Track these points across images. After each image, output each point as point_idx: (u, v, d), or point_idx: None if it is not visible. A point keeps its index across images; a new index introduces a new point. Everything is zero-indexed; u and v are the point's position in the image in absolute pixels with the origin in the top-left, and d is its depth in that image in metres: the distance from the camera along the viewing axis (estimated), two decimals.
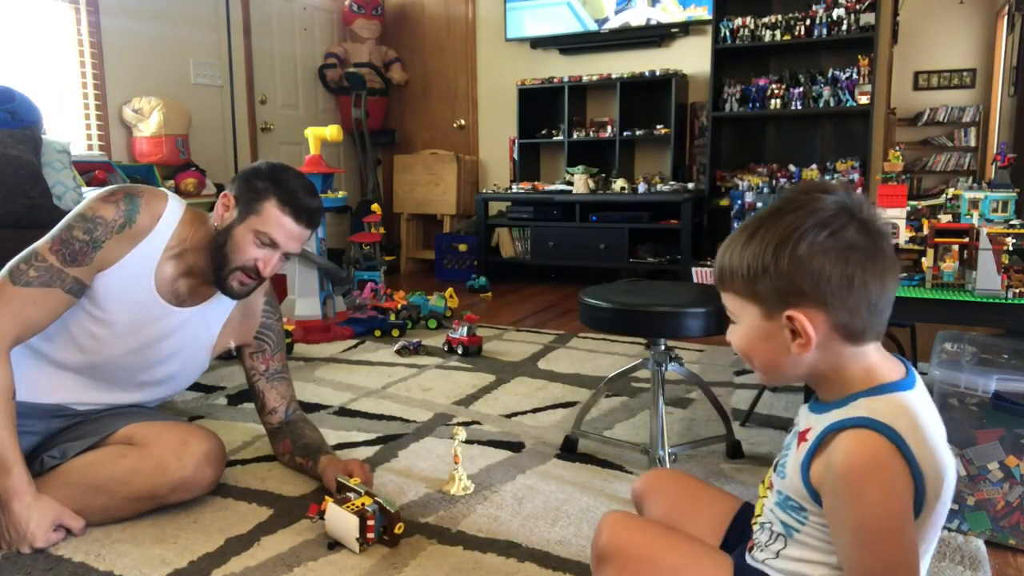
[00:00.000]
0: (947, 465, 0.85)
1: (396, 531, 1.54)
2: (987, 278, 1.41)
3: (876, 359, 0.89)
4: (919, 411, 0.85)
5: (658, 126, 5.01)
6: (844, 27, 4.45)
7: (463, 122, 5.96)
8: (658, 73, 4.94)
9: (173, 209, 1.66)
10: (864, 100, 4.44)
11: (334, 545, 1.54)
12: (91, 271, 1.57)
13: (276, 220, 1.61)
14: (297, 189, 1.63)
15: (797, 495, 0.92)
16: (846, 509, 0.84)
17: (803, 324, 0.86)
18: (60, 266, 1.54)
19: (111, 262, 1.59)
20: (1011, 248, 1.40)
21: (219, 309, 1.77)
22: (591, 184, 5.03)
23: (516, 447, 2.11)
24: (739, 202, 4.57)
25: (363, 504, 1.54)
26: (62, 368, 1.66)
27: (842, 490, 0.84)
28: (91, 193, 1.65)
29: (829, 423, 0.87)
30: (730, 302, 0.95)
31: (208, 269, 1.66)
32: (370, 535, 1.52)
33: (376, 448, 2.11)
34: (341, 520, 1.52)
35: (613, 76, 5.08)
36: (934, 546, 0.90)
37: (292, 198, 1.61)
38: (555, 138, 5.36)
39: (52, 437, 1.65)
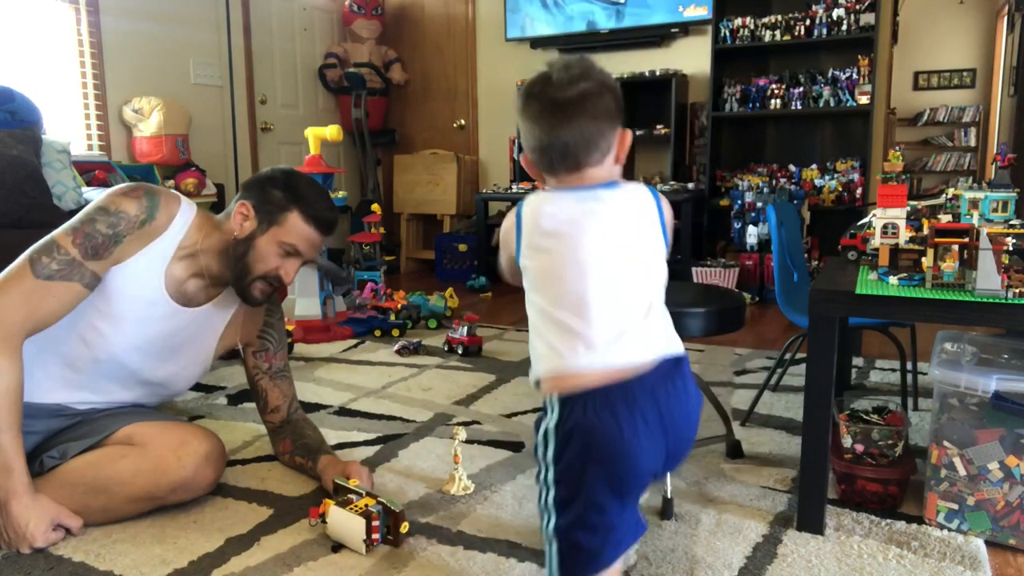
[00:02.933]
0: (546, 220, 1.18)
1: (401, 530, 1.54)
2: (987, 278, 1.41)
3: (557, 182, 1.23)
4: (553, 199, 1.20)
5: (658, 126, 5.01)
6: (844, 27, 4.45)
7: (463, 122, 5.96)
8: (658, 73, 4.93)
9: (186, 211, 1.68)
10: (864, 100, 4.44)
11: (338, 548, 1.54)
12: (107, 265, 1.58)
13: (300, 231, 1.67)
14: (317, 199, 1.69)
15: None
16: None
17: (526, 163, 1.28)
18: (81, 259, 1.54)
19: (126, 257, 1.60)
20: (1011, 248, 1.40)
21: (224, 310, 1.78)
22: None
23: (516, 447, 2.11)
24: (739, 202, 4.57)
25: (367, 505, 1.54)
26: (65, 365, 1.66)
27: None
28: (103, 191, 1.66)
29: None
30: None
31: (222, 274, 1.69)
32: (375, 536, 1.52)
33: (376, 448, 2.11)
34: (346, 522, 1.52)
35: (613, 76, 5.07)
36: (559, 302, 1.14)
37: (315, 210, 1.68)
38: None
39: (52, 437, 1.65)
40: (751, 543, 1.57)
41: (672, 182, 4.93)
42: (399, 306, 3.64)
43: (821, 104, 4.58)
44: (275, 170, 1.72)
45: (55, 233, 1.57)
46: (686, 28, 5.02)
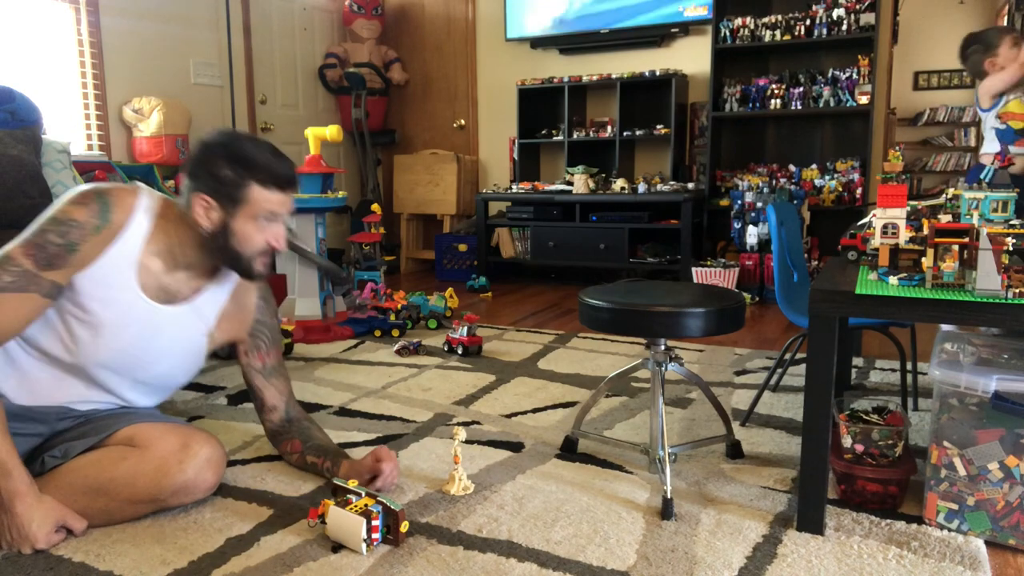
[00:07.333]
0: None
1: (401, 530, 1.54)
2: (987, 278, 1.41)
3: None
4: None
5: (658, 126, 5.01)
6: (844, 27, 4.45)
7: (463, 122, 5.96)
8: (658, 73, 4.94)
9: (145, 202, 1.64)
10: (864, 100, 4.44)
11: (338, 548, 1.54)
12: (68, 273, 1.56)
13: (266, 199, 1.61)
14: (268, 161, 1.60)
15: None
16: None
17: None
18: (36, 270, 1.52)
19: (88, 262, 1.57)
20: (1011, 248, 1.40)
21: (211, 303, 1.75)
22: (591, 184, 5.03)
23: (516, 447, 2.11)
24: (739, 202, 4.57)
25: (366, 505, 1.54)
26: (58, 370, 1.65)
27: None
28: (62, 196, 1.63)
29: None
30: None
31: (204, 263, 1.67)
32: (375, 535, 1.52)
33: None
34: (346, 522, 1.52)
35: (613, 76, 5.08)
36: None
37: (270, 173, 1.60)
38: (555, 138, 5.36)
39: (55, 436, 1.65)
40: (751, 543, 1.57)
41: (672, 182, 4.93)
42: (399, 306, 3.64)
43: (821, 104, 4.59)
44: (211, 143, 1.61)
45: (9, 246, 1.54)
46: (686, 28, 5.02)
